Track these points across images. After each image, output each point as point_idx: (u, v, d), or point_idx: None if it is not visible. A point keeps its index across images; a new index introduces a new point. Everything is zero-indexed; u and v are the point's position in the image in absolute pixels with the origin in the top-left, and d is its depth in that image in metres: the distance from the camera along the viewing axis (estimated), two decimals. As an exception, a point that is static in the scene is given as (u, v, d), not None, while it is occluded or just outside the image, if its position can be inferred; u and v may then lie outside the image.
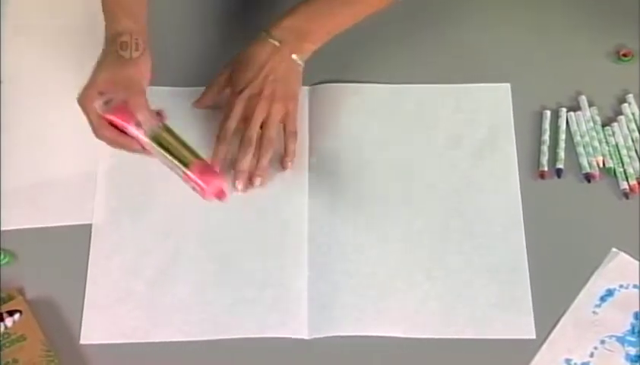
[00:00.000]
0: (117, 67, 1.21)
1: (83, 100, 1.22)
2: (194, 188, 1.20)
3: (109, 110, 1.21)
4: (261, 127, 1.27)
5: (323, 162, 1.30)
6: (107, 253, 1.24)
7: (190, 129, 1.30)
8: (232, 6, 1.43)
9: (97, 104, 1.21)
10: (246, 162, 1.26)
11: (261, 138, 1.27)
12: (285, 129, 1.29)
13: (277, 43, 1.28)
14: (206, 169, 1.20)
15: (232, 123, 1.27)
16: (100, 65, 1.22)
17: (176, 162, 1.20)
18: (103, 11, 1.26)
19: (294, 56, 1.29)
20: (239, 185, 1.26)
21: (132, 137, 1.21)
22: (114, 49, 1.22)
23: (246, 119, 1.27)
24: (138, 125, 1.20)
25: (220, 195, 1.21)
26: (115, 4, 1.25)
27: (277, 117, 1.27)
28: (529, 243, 1.23)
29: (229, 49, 1.34)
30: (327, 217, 1.26)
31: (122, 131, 1.21)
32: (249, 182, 1.27)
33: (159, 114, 1.22)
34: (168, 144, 1.20)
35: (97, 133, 1.23)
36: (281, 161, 1.29)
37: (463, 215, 1.25)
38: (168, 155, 1.20)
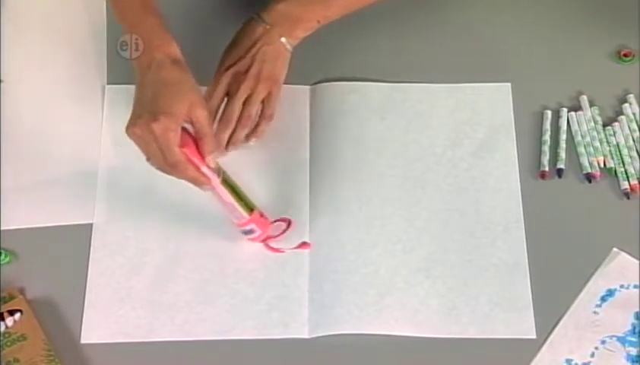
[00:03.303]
0: (192, 93, 1.16)
1: (167, 136, 1.13)
2: (246, 232, 1.22)
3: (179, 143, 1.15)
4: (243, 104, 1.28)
5: (323, 161, 1.30)
6: (108, 253, 1.24)
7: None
8: (234, 6, 1.43)
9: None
10: (225, 138, 1.27)
11: (240, 113, 1.28)
12: (262, 110, 1.29)
13: (267, 26, 1.29)
14: (262, 217, 1.22)
15: (216, 101, 1.28)
16: (168, 91, 1.15)
17: (240, 206, 1.20)
18: (133, 31, 1.22)
19: (283, 40, 1.29)
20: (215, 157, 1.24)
21: (203, 174, 1.17)
22: (176, 73, 1.17)
23: (230, 96, 1.28)
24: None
25: (267, 239, 1.23)
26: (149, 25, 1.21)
27: (260, 96, 1.28)
28: (529, 243, 1.23)
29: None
30: (328, 216, 1.26)
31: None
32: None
33: None
34: (235, 187, 1.20)
35: (177, 171, 1.16)
36: (247, 135, 1.29)
37: (463, 215, 1.25)
38: (235, 199, 1.19)
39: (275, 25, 1.29)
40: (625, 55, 1.36)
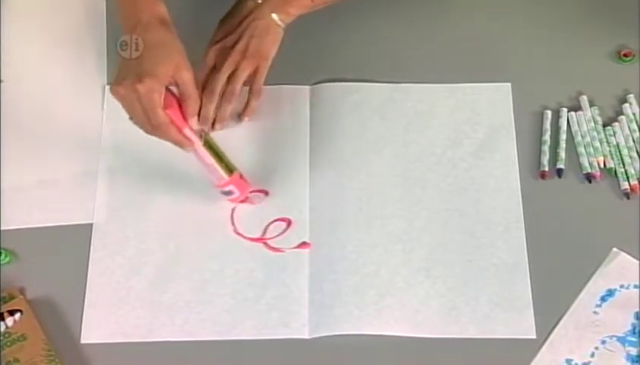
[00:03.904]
0: (178, 55, 1.17)
1: (151, 97, 1.15)
2: (225, 192, 1.24)
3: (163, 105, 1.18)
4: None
5: (323, 161, 1.30)
6: (108, 253, 1.24)
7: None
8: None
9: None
10: (208, 111, 1.28)
11: (225, 88, 1.28)
12: (251, 87, 1.30)
13: (258, 1, 1.29)
14: (241, 178, 1.25)
15: (201, 74, 1.28)
16: (153, 53, 1.17)
17: (221, 167, 1.22)
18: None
19: (274, 15, 1.28)
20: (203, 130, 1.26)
21: (186, 136, 1.20)
22: (162, 34, 1.18)
23: (216, 70, 1.28)
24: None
25: (245, 200, 1.26)
26: None
27: (245, 72, 1.28)
28: (530, 243, 1.23)
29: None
30: (328, 216, 1.26)
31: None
32: (211, 127, 1.29)
33: None
34: (217, 149, 1.22)
35: (159, 132, 1.18)
36: (239, 115, 1.31)
37: (463, 215, 1.25)
38: (216, 161, 1.22)
39: (266, 0, 1.28)
40: (625, 55, 1.36)
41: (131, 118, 1.19)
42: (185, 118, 1.18)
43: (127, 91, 1.16)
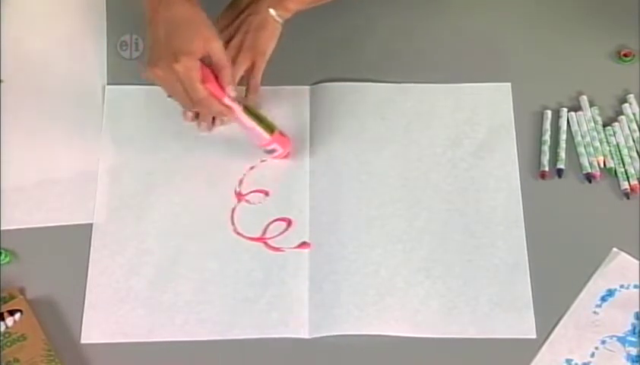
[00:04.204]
0: (205, 28, 1.18)
1: (189, 75, 1.16)
2: (269, 151, 1.28)
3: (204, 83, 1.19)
4: None
5: (323, 161, 1.30)
6: (108, 253, 1.24)
7: (193, 129, 1.31)
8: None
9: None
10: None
11: None
12: (248, 82, 1.29)
13: None
14: (282, 135, 1.28)
15: None
16: (182, 30, 1.17)
17: (262, 128, 1.25)
18: None
19: (272, 11, 1.27)
20: (203, 126, 1.28)
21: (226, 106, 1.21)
22: (187, 9, 1.18)
23: None
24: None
25: (288, 156, 1.30)
26: None
27: (241, 67, 1.27)
28: (530, 243, 1.23)
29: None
30: (328, 217, 1.26)
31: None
32: (212, 123, 1.29)
33: None
34: (255, 112, 1.25)
35: (201, 106, 1.20)
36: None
37: (463, 215, 1.25)
38: (256, 123, 1.25)
39: None
40: (625, 55, 1.36)
41: (169, 96, 1.21)
42: (222, 87, 1.19)
43: (165, 72, 1.16)
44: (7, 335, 1.17)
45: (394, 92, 1.35)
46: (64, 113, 1.34)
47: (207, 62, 1.19)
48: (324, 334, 1.18)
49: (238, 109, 1.22)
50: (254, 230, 1.25)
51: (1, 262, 1.23)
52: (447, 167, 1.29)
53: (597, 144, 1.29)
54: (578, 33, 1.39)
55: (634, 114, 1.31)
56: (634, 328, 1.17)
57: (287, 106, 1.34)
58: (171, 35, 1.17)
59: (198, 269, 1.23)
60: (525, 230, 1.24)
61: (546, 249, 1.22)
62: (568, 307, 1.18)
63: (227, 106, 1.21)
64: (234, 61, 1.27)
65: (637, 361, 1.15)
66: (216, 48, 1.18)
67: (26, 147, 1.32)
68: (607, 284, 1.20)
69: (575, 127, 1.31)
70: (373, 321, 1.18)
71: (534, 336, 1.17)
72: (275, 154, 1.28)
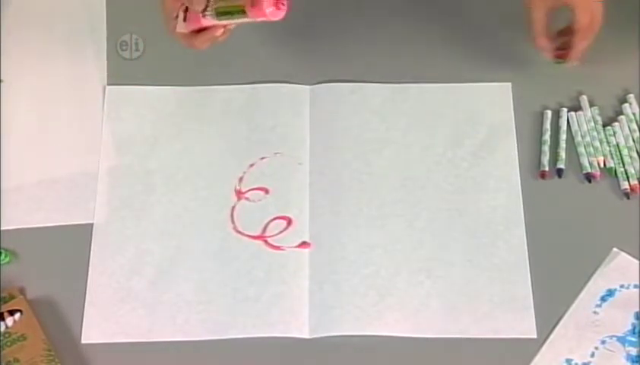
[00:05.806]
0: None
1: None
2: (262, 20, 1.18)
3: (187, 26, 1.21)
4: None
5: (323, 162, 1.30)
6: (108, 253, 1.24)
7: (193, 128, 1.31)
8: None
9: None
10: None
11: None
12: None
13: None
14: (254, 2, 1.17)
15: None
16: None
17: (239, 17, 1.18)
18: None
19: None
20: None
21: (209, 26, 1.20)
22: None
23: None
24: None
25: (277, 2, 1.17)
26: None
27: None
28: (530, 243, 1.23)
29: (230, 48, 1.34)
30: (328, 217, 1.26)
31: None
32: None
33: None
34: (225, 11, 1.18)
35: (196, 43, 1.22)
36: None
37: (464, 215, 1.25)
38: (235, 14, 1.18)
39: None
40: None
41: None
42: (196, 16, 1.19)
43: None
44: (7, 335, 1.17)
45: (394, 92, 1.35)
46: (64, 113, 1.34)
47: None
48: (325, 335, 1.18)
49: (218, 23, 1.19)
50: (254, 228, 1.25)
51: (1, 262, 1.23)
52: (447, 167, 1.29)
53: (597, 144, 1.29)
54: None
55: (634, 114, 1.31)
56: (634, 328, 1.17)
57: (287, 106, 1.34)
58: None
59: (198, 269, 1.23)
60: (525, 229, 1.24)
61: (546, 248, 1.22)
62: (568, 307, 1.18)
63: (216, 27, 1.20)
64: None
65: (637, 361, 1.15)
66: None
67: (26, 147, 1.32)
68: (607, 284, 1.20)
69: (575, 127, 1.31)
70: (373, 321, 1.18)
71: (535, 336, 1.17)
72: (269, 9, 1.15)
